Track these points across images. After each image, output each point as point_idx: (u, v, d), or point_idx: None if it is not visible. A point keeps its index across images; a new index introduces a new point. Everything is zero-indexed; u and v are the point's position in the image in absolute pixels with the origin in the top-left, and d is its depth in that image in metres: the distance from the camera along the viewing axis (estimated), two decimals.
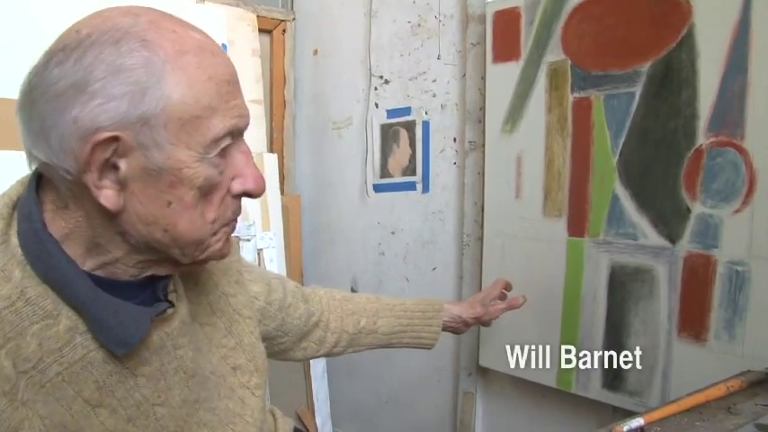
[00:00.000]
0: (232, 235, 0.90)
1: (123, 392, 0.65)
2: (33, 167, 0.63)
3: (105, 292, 0.63)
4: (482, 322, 1.35)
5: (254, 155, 2.16)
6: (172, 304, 0.71)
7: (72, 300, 0.61)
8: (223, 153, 0.63)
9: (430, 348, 1.25)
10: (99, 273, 0.64)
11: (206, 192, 0.63)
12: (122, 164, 0.59)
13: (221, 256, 0.70)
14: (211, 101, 0.61)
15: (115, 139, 0.57)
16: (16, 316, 0.59)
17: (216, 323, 0.81)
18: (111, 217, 0.61)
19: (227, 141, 0.63)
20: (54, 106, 0.57)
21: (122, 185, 0.60)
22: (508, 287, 1.39)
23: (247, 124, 0.67)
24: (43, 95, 0.57)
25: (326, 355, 1.17)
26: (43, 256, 0.61)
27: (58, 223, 0.62)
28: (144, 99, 0.57)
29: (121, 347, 0.63)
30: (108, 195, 0.59)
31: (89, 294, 0.61)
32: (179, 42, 0.60)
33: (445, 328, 1.28)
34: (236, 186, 0.66)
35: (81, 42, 0.57)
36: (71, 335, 0.61)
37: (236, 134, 0.65)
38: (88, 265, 0.63)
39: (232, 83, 0.64)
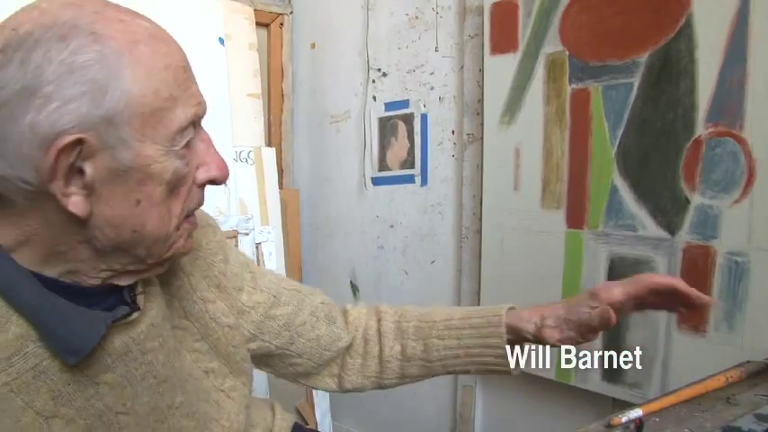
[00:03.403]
0: (217, 229, 0.84)
1: (82, 402, 0.62)
2: None
3: (67, 297, 0.60)
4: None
5: (251, 149, 2.14)
6: (137, 308, 0.67)
7: (19, 306, 0.58)
8: (188, 143, 0.61)
9: (509, 374, 0.90)
10: (60, 278, 0.61)
11: (174, 185, 0.61)
12: (88, 167, 0.55)
13: (185, 251, 0.68)
14: (171, 91, 0.58)
15: (79, 141, 0.54)
16: None
17: (188, 327, 0.77)
18: (76, 224, 0.58)
19: (191, 132, 0.61)
20: (2, 115, 0.53)
21: (89, 190, 0.56)
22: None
23: (205, 111, 0.63)
24: None
25: (376, 388, 0.97)
26: None
27: (11, 231, 0.58)
28: (105, 97, 0.54)
29: (72, 356, 0.59)
30: (76, 202, 0.56)
31: (34, 300, 0.58)
32: (129, 32, 0.56)
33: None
34: (201, 175, 0.64)
35: (22, 42, 0.52)
36: (22, 342, 0.58)
37: (197, 123, 0.62)
38: (47, 272, 0.60)
39: (187, 69, 0.61)
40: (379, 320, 0.96)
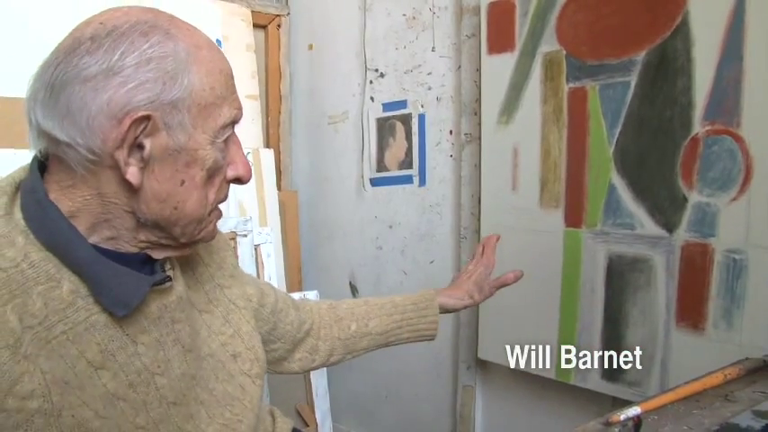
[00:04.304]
0: (226, 231, 0.93)
1: (125, 358, 0.68)
2: (37, 151, 0.68)
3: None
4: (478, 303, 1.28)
5: (250, 151, 2.15)
6: (170, 278, 0.74)
7: (73, 264, 0.65)
8: (226, 140, 0.70)
9: (432, 339, 1.21)
10: (102, 245, 0.68)
11: (211, 174, 0.70)
12: (147, 143, 0.64)
13: (212, 236, 0.77)
14: (222, 91, 0.69)
15: (147, 118, 0.63)
16: (21, 276, 0.62)
17: (213, 311, 0.85)
18: (127, 194, 0.66)
19: (230, 130, 0.71)
20: (85, 89, 0.61)
21: (145, 164, 0.65)
22: (498, 238, 1.27)
23: (242, 116, 0.73)
24: (74, 79, 0.61)
25: (324, 365, 1.15)
26: (46, 223, 0.65)
27: (64, 203, 0.66)
28: (175, 84, 0.64)
29: (121, 309, 0.66)
30: (133, 172, 0.64)
31: (90, 257, 0.65)
32: (194, 38, 0.68)
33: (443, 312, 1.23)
34: (230, 172, 0.73)
35: (110, 33, 0.63)
36: (74, 297, 0.65)
37: (235, 124, 0.72)
38: (91, 239, 0.67)
39: (233, 78, 0.71)
40: (331, 307, 1.15)
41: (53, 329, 0.63)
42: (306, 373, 1.16)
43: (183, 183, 0.68)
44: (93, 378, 0.66)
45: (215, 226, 0.76)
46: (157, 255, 0.73)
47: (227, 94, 0.69)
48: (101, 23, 0.63)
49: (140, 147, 0.64)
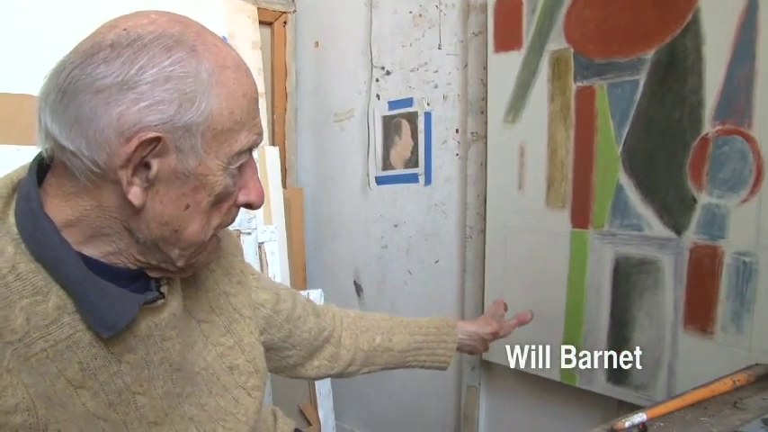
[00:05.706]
0: (233, 232, 0.92)
1: (106, 377, 0.66)
2: (44, 149, 0.65)
3: (100, 276, 0.64)
4: (498, 338, 1.30)
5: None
6: (163, 296, 0.72)
7: (62, 279, 0.63)
8: (240, 166, 0.68)
9: (445, 368, 1.22)
10: (98, 258, 0.66)
11: (219, 199, 0.67)
12: (155, 164, 0.62)
13: (209, 261, 0.76)
14: (242, 116, 0.65)
15: (157, 140, 0.60)
16: (6, 289, 0.60)
17: (214, 321, 0.82)
18: (128, 211, 0.64)
19: (246, 156, 0.68)
20: (97, 100, 0.59)
21: (149, 184, 0.63)
22: (506, 307, 1.33)
23: (261, 141, 0.70)
24: (87, 88, 0.59)
25: (340, 375, 1.14)
26: (37, 235, 0.62)
27: (63, 210, 0.64)
28: (191, 107, 0.61)
29: (107, 330, 0.64)
30: (136, 192, 0.62)
31: (79, 275, 0.63)
32: (221, 57, 0.64)
33: (463, 348, 1.26)
34: (241, 197, 0.71)
35: (131, 43, 0.60)
36: (59, 313, 0.63)
37: (252, 150, 0.70)
38: (86, 251, 0.65)
39: (257, 102, 0.69)
40: (358, 317, 1.15)
41: (33, 347, 0.61)
42: (321, 378, 1.17)
43: (187, 207, 0.65)
44: (73, 397, 0.64)
45: (215, 249, 0.74)
46: (154, 274, 0.71)
47: (248, 119, 0.66)
48: (124, 30, 0.60)
49: (147, 166, 0.62)
